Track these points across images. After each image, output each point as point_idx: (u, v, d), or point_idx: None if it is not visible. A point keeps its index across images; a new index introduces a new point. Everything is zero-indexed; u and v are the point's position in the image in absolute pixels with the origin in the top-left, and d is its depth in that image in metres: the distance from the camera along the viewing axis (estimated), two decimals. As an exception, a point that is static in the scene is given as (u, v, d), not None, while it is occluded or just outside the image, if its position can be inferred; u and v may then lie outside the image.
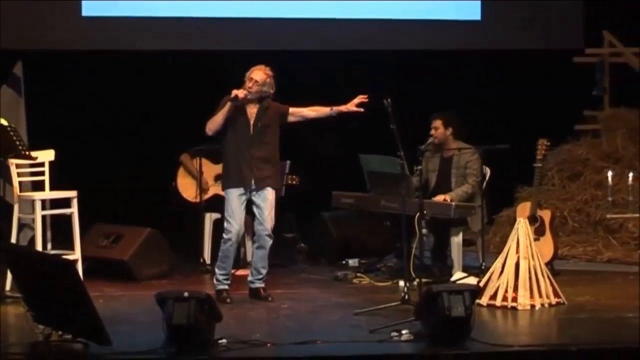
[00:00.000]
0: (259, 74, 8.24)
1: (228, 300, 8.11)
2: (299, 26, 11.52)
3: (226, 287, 8.30)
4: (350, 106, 8.26)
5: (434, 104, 9.57)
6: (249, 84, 8.21)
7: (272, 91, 8.30)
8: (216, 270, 8.36)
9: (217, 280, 8.33)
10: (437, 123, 9.16)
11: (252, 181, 8.21)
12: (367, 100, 8.19)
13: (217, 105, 8.26)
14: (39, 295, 6.79)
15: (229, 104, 8.16)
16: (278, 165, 8.42)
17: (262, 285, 8.34)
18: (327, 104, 8.34)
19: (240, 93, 8.14)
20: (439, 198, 8.91)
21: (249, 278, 8.39)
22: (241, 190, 8.23)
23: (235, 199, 8.23)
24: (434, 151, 9.20)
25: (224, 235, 8.25)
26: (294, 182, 9.70)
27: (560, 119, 11.33)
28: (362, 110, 8.20)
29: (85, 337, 6.65)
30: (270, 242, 8.26)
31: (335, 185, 9.47)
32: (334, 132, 10.79)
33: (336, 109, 8.31)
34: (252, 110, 8.24)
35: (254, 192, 8.23)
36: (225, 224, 8.26)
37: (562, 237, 10.20)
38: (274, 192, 8.28)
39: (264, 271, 8.31)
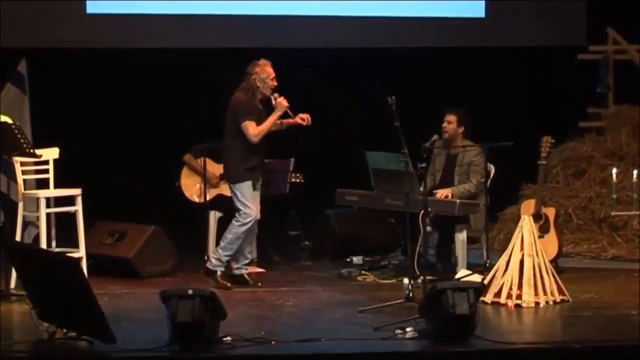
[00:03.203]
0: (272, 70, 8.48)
1: (229, 284, 8.19)
2: (302, 24, 11.50)
3: (223, 269, 8.47)
4: None
5: (437, 101, 9.55)
6: (275, 82, 8.44)
7: None
8: (221, 251, 8.49)
9: (220, 261, 8.47)
10: (452, 118, 9.12)
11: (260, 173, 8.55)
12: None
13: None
14: (43, 293, 6.79)
15: (277, 114, 8.40)
16: None
17: (247, 270, 8.58)
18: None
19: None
20: (439, 193, 8.91)
21: (235, 265, 8.56)
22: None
23: (251, 187, 8.43)
24: (442, 147, 9.18)
25: (242, 220, 8.41)
26: (298, 180, 9.69)
27: (564, 116, 11.32)
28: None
29: (90, 334, 6.66)
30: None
31: (339, 183, 9.46)
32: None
33: None
34: (259, 106, 8.51)
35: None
36: (245, 209, 8.42)
37: (566, 235, 10.20)
38: None
39: (250, 256, 8.60)
